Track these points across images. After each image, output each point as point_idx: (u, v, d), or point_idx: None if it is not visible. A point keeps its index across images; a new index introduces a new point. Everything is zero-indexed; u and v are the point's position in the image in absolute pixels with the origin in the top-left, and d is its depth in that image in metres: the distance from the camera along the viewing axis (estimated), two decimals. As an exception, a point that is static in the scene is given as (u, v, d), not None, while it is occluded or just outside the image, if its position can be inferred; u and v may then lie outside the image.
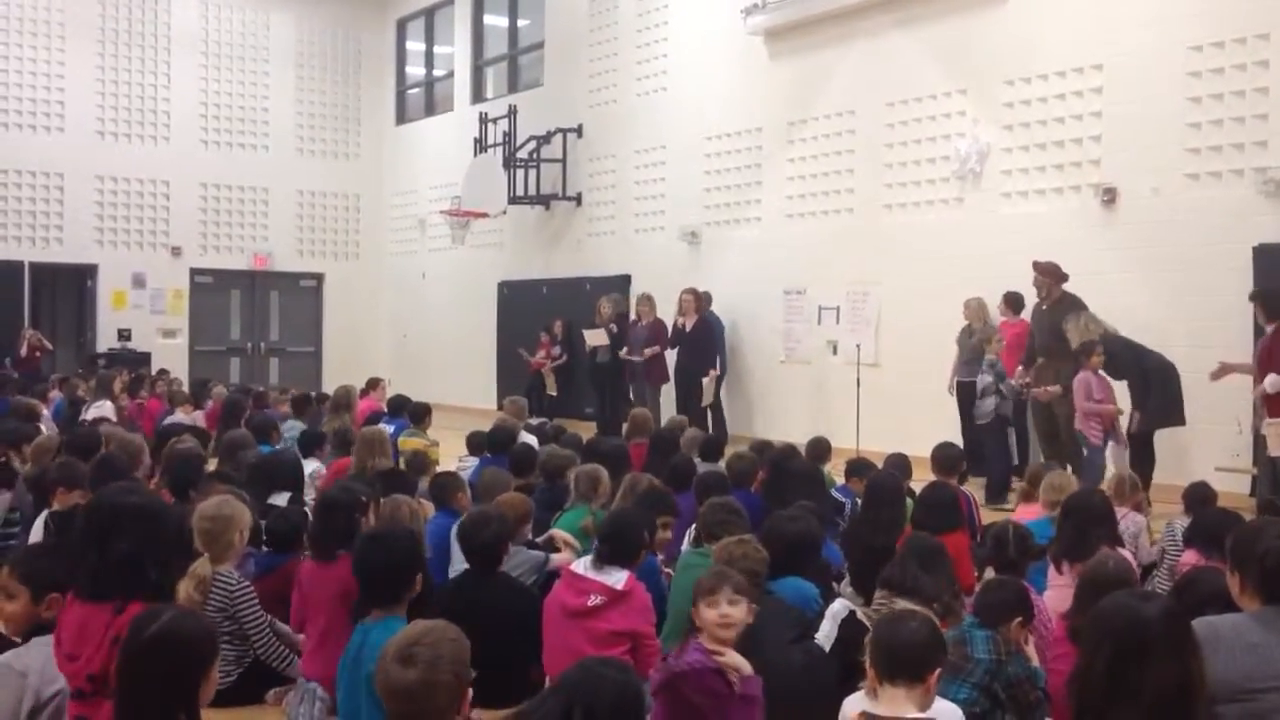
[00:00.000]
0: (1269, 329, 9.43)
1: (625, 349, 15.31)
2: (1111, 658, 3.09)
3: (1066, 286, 11.09)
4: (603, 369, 15.86)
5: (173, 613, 3.45)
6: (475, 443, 9.99)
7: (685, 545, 6.53)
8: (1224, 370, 9.78)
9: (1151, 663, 3.06)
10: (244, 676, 5.53)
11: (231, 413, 11.86)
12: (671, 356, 15.16)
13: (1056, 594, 5.69)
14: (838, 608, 5.09)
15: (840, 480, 8.47)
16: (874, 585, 5.25)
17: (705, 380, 14.39)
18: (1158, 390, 10.08)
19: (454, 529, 6.11)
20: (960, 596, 5.24)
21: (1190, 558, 5.88)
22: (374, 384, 14.77)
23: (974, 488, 8.87)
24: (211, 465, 8.71)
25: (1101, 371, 10.20)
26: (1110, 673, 3.08)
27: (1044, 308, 11.21)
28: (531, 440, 10.10)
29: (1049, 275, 11.15)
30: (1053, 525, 6.32)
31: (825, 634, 4.98)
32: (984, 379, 11.24)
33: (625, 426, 10.66)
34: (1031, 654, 4.58)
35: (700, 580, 4.40)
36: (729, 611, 4.23)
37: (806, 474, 7.92)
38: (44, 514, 7.07)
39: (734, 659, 4.19)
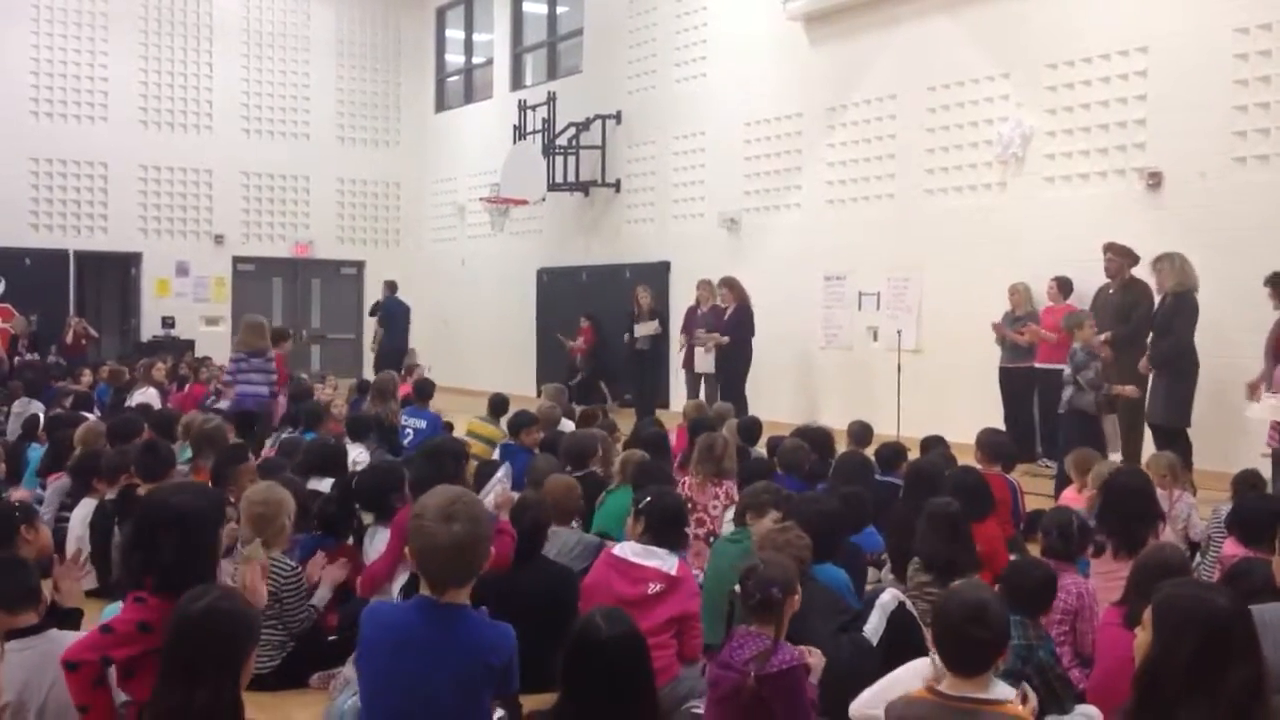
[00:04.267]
0: None
1: (693, 335, 15.19)
2: (1195, 652, 3.03)
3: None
4: (642, 355, 15.82)
5: (218, 593, 3.57)
6: (515, 426, 10.04)
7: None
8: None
9: (1235, 659, 3.02)
10: (287, 660, 5.58)
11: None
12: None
13: (1101, 581, 5.64)
14: (887, 599, 5.02)
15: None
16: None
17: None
18: (1180, 380, 9.89)
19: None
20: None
21: (1230, 545, 5.80)
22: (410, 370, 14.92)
23: (1019, 474, 8.74)
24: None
25: None
26: (1192, 667, 3.03)
27: (1110, 291, 10.91)
28: (569, 427, 10.13)
29: (1123, 256, 10.81)
30: None
31: (873, 627, 4.92)
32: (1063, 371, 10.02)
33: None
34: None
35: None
36: None
37: (855, 461, 7.88)
38: (86, 502, 7.19)
39: (818, 658, 4.29)
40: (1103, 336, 10.37)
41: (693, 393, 14.52)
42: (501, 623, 3.74)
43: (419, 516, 3.59)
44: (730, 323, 14.35)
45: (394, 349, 18.65)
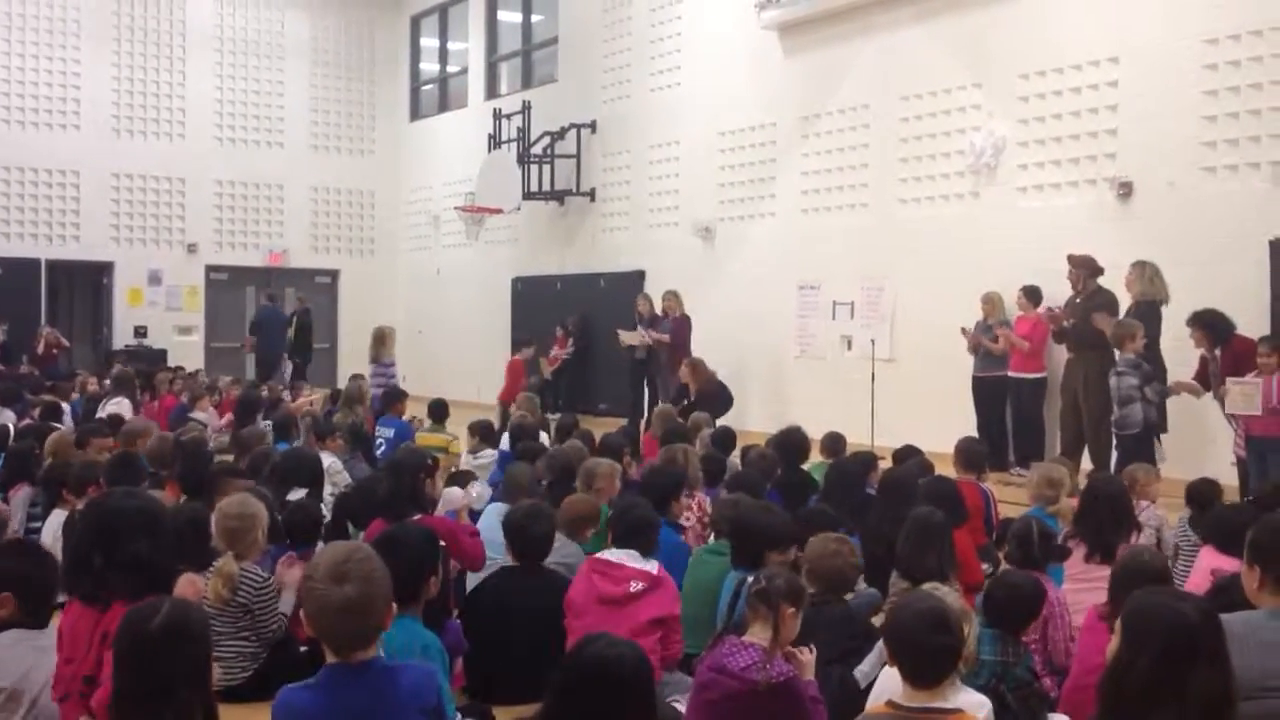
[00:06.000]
0: (1215, 352, 9.47)
1: (650, 335, 15.20)
2: (1157, 659, 3.02)
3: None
4: (643, 365, 15.77)
5: (171, 604, 3.39)
6: (481, 430, 10.07)
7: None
8: (1179, 387, 9.81)
9: (1198, 667, 3.00)
10: (260, 671, 5.55)
11: (247, 410, 11.88)
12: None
13: (1077, 587, 5.67)
14: None
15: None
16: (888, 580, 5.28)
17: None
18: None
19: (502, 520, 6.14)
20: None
21: (1209, 555, 5.83)
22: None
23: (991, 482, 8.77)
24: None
25: None
26: (1154, 674, 3.01)
27: (1077, 301, 11.04)
28: (542, 438, 10.12)
29: (1084, 267, 10.96)
30: (1051, 518, 6.33)
31: (867, 671, 4.79)
32: (1127, 381, 9.47)
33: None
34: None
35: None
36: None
37: (841, 474, 7.89)
38: (57, 513, 7.14)
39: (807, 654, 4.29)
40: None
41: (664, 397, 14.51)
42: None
43: (310, 577, 3.37)
44: (709, 398, 13.74)
45: (268, 354, 20.13)
